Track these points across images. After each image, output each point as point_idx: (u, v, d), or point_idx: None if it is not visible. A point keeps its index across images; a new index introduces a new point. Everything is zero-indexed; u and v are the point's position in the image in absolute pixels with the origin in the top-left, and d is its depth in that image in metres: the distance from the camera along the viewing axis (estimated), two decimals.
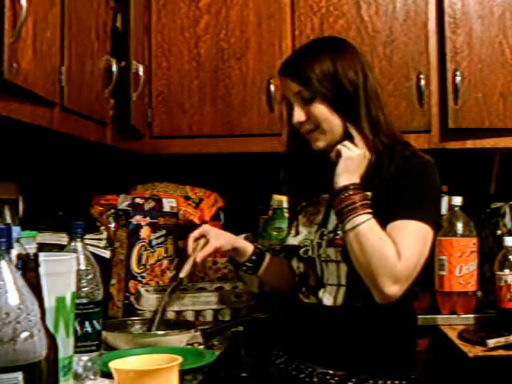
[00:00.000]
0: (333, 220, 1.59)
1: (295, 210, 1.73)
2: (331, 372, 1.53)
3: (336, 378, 1.53)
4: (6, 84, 1.29)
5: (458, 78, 2.26)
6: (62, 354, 1.11)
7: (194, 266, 1.78)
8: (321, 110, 1.57)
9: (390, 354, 1.54)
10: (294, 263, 1.66)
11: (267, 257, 1.79)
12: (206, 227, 1.79)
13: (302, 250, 1.63)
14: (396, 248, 1.46)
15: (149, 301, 1.86)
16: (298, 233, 1.66)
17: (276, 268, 1.79)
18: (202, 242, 1.75)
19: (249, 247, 1.78)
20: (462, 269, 2.03)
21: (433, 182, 1.57)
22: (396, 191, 1.52)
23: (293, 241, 1.66)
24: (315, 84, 1.56)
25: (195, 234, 1.77)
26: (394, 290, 1.46)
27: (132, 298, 1.94)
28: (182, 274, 1.76)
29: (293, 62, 1.66)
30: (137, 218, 2.01)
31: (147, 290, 1.92)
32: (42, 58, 1.46)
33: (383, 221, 1.50)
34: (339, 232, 1.55)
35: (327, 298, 1.57)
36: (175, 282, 1.80)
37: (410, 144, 1.64)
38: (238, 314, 1.95)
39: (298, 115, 1.60)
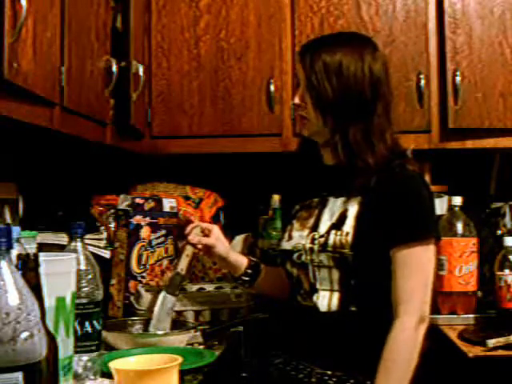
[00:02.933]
0: (325, 224, 1.58)
1: (289, 215, 1.72)
2: (329, 373, 1.53)
3: (334, 379, 1.53)
4: (6, 84, 1.29)
5: (458, 78, 2.26)
6: (61, 354, 1.11)
7: (191, 261, 1.78)
8: (309, 105, 1.58)
9: None
10: (288, 267, 1.66)
11: (263, 269, 1.79)
12: (215, 227, 1.80)
13: (295, 255, 1.62)
14: (406, 302, 1.48)
15: (149, 301, 1.86)
16: (290, 237, 1.65)
17: (272, 278, 1.79)
18: (198, 230, 1.76)
19: (243, 261, 1.78)
20: (462, 269, 2.03)
21: (421, 197, 1.55)
22: (388, 212, 1.51)
23: (286, 245, 1.66)
24: (313, 80, 1.56)
25: (202, 224, 1.80)
26: (424, 326, 1.49)
27: (132, 298, 1.94)
28: (179, 268, 1.76)
29: (307, 47, 1.65)
30: (137, 218, 2.01)
31: (147, 290, 1.92)
32: (42, 58, 1.46)
33: (371, 229, 1.51)
34: (331, 236, 1.54)
35: (321, 304, 1.56)
36: (173, 277, 1.78)
37: (405, 156, 1.61)
38: (238, 313, 1.95)
39: (297, 97, 1.61)
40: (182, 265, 1.76)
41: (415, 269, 1.50)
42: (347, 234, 1.52)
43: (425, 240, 1.52)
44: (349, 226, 1.53)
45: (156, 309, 1.73)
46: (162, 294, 1.75)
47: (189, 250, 1.77)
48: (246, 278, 1.78)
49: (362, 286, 1.54)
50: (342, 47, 1.58)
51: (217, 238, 1.76)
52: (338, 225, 1.55)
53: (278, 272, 1.76)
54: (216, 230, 1.78)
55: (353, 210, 1.54)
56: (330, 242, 1.54)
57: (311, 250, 1.57)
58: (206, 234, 1.77)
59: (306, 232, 1.60)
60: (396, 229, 1.51)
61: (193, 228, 1.77)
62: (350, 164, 1.55)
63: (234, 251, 1.83)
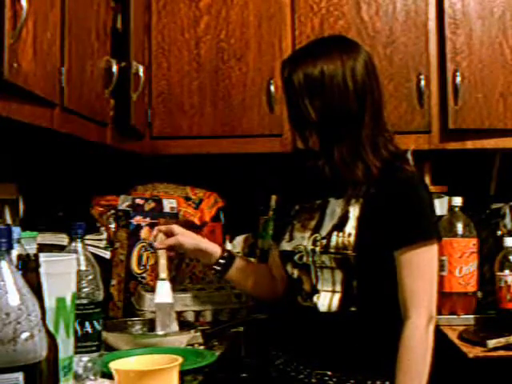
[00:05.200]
0: (326, 226, 1.57)
1: (289, 215, 1.70)
2: (329, 373, 1.53)
3: (334, 379, 1.53)
4: (6, 84, 1.29)
5: (458, 79, 2.26)
6: (62, 355, 1.11)
7: (169, 265, 1.78)
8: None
9: (388, 354, 1.54)
10: (289, 268, 1.65)
11: (237, 260, 1.77)
12: (174, 226, 1.79)
13: (296, 256, 1.61)
14: (415, 304, 1.50)
15: (149, 301, 1.86)
16: (291, 238, 1.64)
17: (248, 272, 1.77)
18: (160, 235, 1.76)
19: (217, 250, 1.76)
20: (462, 269, 2.03)
21: (421, 199, 1.55)
22: (389, 214, 1.51)
23: (286, 246, 1.65)
24: (292, 97, 1.55)
25: (161, 227, 1.78)
26: (433, 324, 1.53)
27: (132, 299, 1.94)
28: (162, 276, 1.74)
29: (287, 61, 1.63)
30: (137, 219, 2.01)
31: (147, 291, 1.92)
32: (43, 59, 1.46)
33: (371, 230, 1.51)
34: (333, 237, 1.54)
35: (322, 304, 1.56)
36: (160, 284, 1.77)
37: (403, 158, 1.62)
38: (238, 314, 1.95)
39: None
40: (162, 271, 1.75)
41: (422, 270, 1.51)
42: (349, 234, 1.52)
43: (428, 240, 1.52)
44: (351, 226, 1.53)
45: (157, 318, 1.73)
46: (156, 303, 1.73)
47: (162, 255, 1.75)
48: (218, 268, 1.75)
49: (364, 286, 1.54)
50: (322, 56, 1.54)
51: (180, 234, 1.75)
52: (339, 226, 1.55)
53: (257, 268, 1.76)
54: (176, 227, 1.76)
55: (354, 210, 1.54)
56: (333, 243, 1.54)
57: (313, 251, 1.57)
58: (168, 235, 1.76)
59: (308, 233, 1.60)
60: (399, 231, 1.51)
61: (155, 236, 1.77)
62: (340, 178, 1.56)
63: (204, 240, 1.80)
